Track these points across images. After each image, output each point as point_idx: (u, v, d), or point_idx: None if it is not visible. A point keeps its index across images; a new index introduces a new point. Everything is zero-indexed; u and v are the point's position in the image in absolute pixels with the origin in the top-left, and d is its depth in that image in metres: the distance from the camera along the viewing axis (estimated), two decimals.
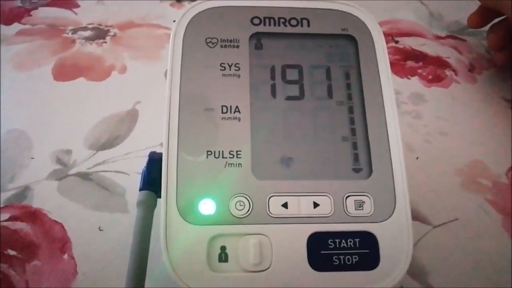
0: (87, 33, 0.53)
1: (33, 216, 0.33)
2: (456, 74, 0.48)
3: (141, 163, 0.30)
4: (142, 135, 0.40)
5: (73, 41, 0.51)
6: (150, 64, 0.48)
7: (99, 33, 0.53)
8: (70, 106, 0.43)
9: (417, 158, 0.38)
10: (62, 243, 0.31)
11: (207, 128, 0.28)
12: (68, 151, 0.38)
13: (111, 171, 0.36)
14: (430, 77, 0.47)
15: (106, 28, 0.53)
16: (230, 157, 0.28)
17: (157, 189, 0.27)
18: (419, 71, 0.48)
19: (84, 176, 0.36)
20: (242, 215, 0.26)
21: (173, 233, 0.26)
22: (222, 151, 0.28)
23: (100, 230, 0.32)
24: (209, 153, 0.28)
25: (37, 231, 0.32)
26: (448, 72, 0.48)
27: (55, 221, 0.33)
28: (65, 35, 0.52)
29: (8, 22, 0.54)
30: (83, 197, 0.34)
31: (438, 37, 0.54)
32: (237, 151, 0.28)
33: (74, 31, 0.53)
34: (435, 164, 0.38)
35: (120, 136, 0.39)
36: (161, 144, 0.36)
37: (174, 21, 0.31)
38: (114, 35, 0.52)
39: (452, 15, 0.57)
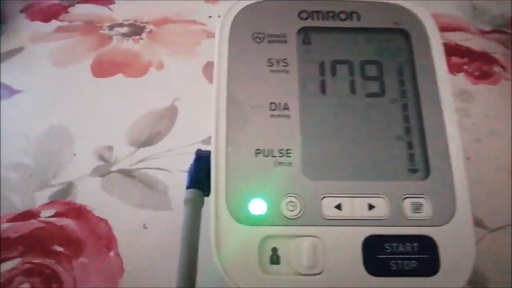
0: (124, 30, 0.52)
1: (78, 212, 0.32)
2: (504, 70, 0.46)
3: (183, 161, 0.29)
4: (183, 132, 0.39)
5: (110, 38, 0.51)
6: (186, 60, 0.48)
7: (135, 30, 0.52)
8: (110, 102, 0.42)
9: (468, 159, 0.36)
10: (108, 240, 0.31)
11: (255, 125, 0.27)
12: (109, 148, 0.38)
13: (153, 168, 0.36)
14: (477, 73, 0.45)
15: (142, 25, 0.53)
16: (279, 156, 0.26)
17: (204, 188, 0.26)
18: (465, 67, 0.46)
19: (127, 173, 0.35)
20: (294, 216, 0.25)
21: (224, 233, 0.25)
22: (272, 150, 0.26)
23: (145, 228, 0.31)
24: (258, 151, 0.26)
25: (83, 227, 0.31)
26: (496, 68, 0.46)
27: (100, 218, 0.32)
28: (102, 31, 0.52)
29: (46, 19, 0.54)
30: (126, 194, 0.34)
31: (483, 32, 0.51)
32: (287, 150, 0.27)
33: (111, 27, 0.53)
34: (487, 164, 0.36)
35: (160, 133, 0.39)
36: (203, 142, 0.36)
37: (219, 16, 0.30)
38: (150, 31, 0.52)
39: (496, 8, 0.54)
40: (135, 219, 0.32)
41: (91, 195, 0.34)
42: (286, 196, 0.26)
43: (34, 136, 0.39)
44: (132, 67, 0.46)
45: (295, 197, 0.26)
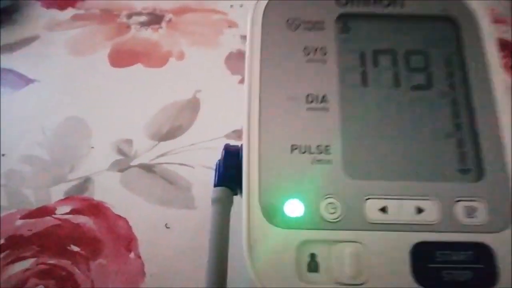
0: (142, 18, 0.50)
1: (96, 209, 0.30)
2: None
3: (206, 156, 0.27)
4: (206, 125, 0.37)
5: (128, 27, 0.49)
6: (208, 50, 0.46)
7: (154, 18, 0.50)
8: (129, 93, 0.41)
9: None
10: (128, 241, 0.29)
11: (290, 119, 0.25)
12: (128, 141, 0.36)
13: (175, 163, 0.34)
14: None
15: (161, 13, 0.51)
16: (318, 153, 0.24)
17: (234, 186, 0.25)
18: (503, 60, 0.43)
19: (147, 168, 0.34)
20: (334, 219, 0.23)
21: (257, 236, 0.23)
22: (309, 146, 0.24)
23: (167, 227, 0.29)
24: (294, 147, 0.24)
25: (101, 226, 0.29)
26: None
27: (119, 215, 0.31)
28: (119, 20, 0.50)
29: (62, 7, 0.52)
30: (147, 191, 0.32)
31: None
32: (326, 146, 0.24)
33: (129, 16, 0.51)
34: None
35: (182, 126, 0.37)
36: (227, 136, 0.34)
37: (241, 6, 0.28)
38: (170, 20, 0.50)
39: None
40: (157, 218, 0.30)
41: (109, 191, 0.32)
42: (325, 197, 0.23)
43: (50, 128, 0.38)
44: (152, 57, 0.45)
45: (335, 198, 0.23)
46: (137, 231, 0.30)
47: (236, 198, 0.25)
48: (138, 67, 0.44)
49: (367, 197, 0.23)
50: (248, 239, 0.23)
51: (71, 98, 0.41)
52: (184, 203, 0.31)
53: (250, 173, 0.24)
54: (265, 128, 0.25)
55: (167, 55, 0.45)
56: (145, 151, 0.35)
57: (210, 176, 0.27)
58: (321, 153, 0.24)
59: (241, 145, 0.26)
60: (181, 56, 0.45)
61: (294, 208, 0.23)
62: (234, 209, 0.26)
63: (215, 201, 0.25)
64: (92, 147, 0.36)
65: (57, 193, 0.32)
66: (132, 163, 0.34)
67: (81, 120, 0.38)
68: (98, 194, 0.32)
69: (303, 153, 0.24)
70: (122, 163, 0.34)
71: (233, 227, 0.25)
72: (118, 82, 0.42)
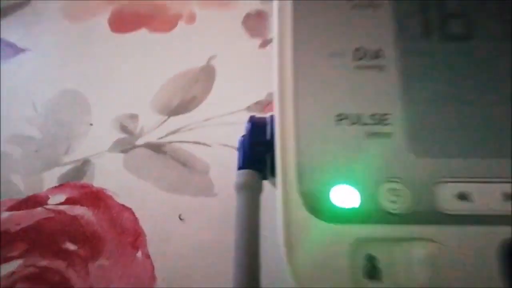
0: None
1: (96, 198, 0.26)
2: None
3: (225, 132, 0.23)
4: (223, 96, 0.33)
5: None
6: (222, 12, 0.40)
7: None
8: (133, 61, 0.37)
9: None
10: (134, 236, 0.24)
11: (335, 80, 0.21)
12: (133, 116, 0.32)
13: (189, 142, 0.30)
14: None
15: None
16: (372, 124, 0.20)
17: (263, 168, 0.21)
18: None
19: (156, 148, 0.29)
20: (398, 210, 0.18)
21: (297, 233, 0.18)
22: (360, 115, 0.20)
23: (181, 219, 0.25)
24: (341, 117, 0.20)
25: (102, 218, 0.25)
26: None
27: (123, 205, 0.26)
28: None
29: None
30: (156, 175, 0.28)
31: None
32: (382, 115, 0.20)
33: None
34: None
35: (196, 97, 0.33)
36: (248, 108, 0.29)
37: None
38: None
39: None
40: (168, 208, 0.26)
41: (111, 176, 0.28)
42: (385, 181, 0.19)
43: (42, 103, 0.34)
44: (158, 20, 0.40)
45: (398, 182, 0.19)
46: (145, 224, 0.25)
47: (266, 183, 0.22)
48: (143, 33, 0.39)
49: (439, 180, 0.18)
50: (287, 237, 0.18)
51: (67, 69, 0.36)
52: (201, 189, 0.27)
53: (285, 151, 0.19)
54: (303, 93, 0.20)
55: (175, 17, 0.40)
56: (153, 128, 0.31)
57: (231, 156, 0.24)
58: (377, 123, 0.20)
59: (271, 116, 0.21)
60: (191, 19, 0.40)
61: (344, 196, 0.19)
62: (263, 197, 0.21)
63: (241, 187, 0.21)
64: (91, 124, 0.31)
65: (50, 179, 0.28)
66: (137, 142, 0.30)
67: (78, 93, 0.34)
68: (98, 179, 0.28)
69: (353, 124, 0.20)
70: (126, 142, 0.30)
71: (263, 220, 0.20)
72: (120, 50, 0.38)
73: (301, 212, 0.18)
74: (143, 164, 0.28)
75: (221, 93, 0.33)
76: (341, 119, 0.20)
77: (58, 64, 0.37)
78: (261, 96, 0.32)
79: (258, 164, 0.21)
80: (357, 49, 0.21)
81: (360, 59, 0.21)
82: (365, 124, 0.19)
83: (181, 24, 0.40)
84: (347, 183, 0.19)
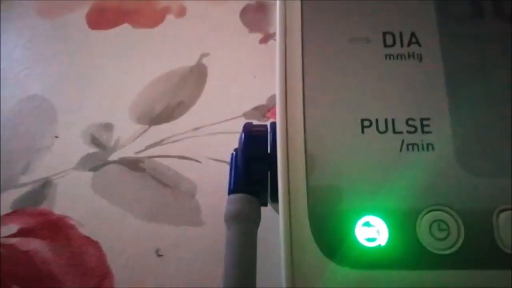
0: None
1: (55, 229, 0.22)
2: None
3: (218, 144, 0.19)
4: (216, 101, 0.29)
5: None
6: (217, 3, 0.37)
7: None
8: (112, 62, 0.33)
9: None
10: (100, 277, 0.20)
11: (359, 75, 0.16)
12: (107, 126, 0.27)
13: (173, 157, 0.25)
14: None
15: None
16: (409, 131, 0.15)
17: (261, 191, 0.17)
18: None
19: (132, 165, 0.25)
20: (447, 249, 0.14)
21: (308, 280, 0.14)
22: (393, 120, 0.15)
23: (159, 255, 0.20)
24: (367, 122, 0.15)
25: (61, 255, 0.21)
26: None
27: (88, 238, 0.22)
28: None
29: None
30: (131, 198, 0.24)
31: None
32: (422, 120, 0.15)
33: None
34: None
35: (183, 102, 0.28)
36: (245, 115, 0.26)
37: None
38: None
39: None
40: (144, 241, 0.21)
41: (77, 199, 0.24)
42: (428, 209, 0.14)
43: (2, 111, 0.29)
44: (143, 14, 0.37)
45: (445, 211, 0.14)
46: (115, 262, 0.21)
47: (265, 211, 0.18)
48: (125, 28, 0.35)
49: (503, 208, 0.14)
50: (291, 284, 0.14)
51: (35, 72, 0.32)
52: (185, 216, 0.22)
53: (292, 169, 0.15)
54: (313, 93, 0.16)
55: (163, 11, 0.37)
56: (131, 139, 0.26)
57: (224, 174, 0.19)
58: (414, 131, 0.15)
59: (272, 124, 0.17)
60: (181, 12, 0.36)
61: (372, 231, 0.14)
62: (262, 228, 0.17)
63: (231, 217, 0.16)
64: (56, 137, 0.27)
65: (2, 203, 0.24)
66: (111, 158, 0.25)
67: (45, 100, 0.30)
68: (60, 204, 0.24)
69: (383, 132, 0.15)
70: (97, 158, 0.25)
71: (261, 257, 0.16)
72: (97, 49, 0.34)
73: (312, 252, 0.14)
74: (116, 184, 0.24)
75: (214, 97, 0.29)
76: (367, 126, 0.15)
77: (26, 65, 0.33)
78: (262, 100, 0.28)
79: (256, 186, 0.17)
80: (386, 34, 0.17)
81: (390, 45, 0.17)
82: (399, 132, 0.15)
83: (169, 17, 0.36)
84: (374, 214, 0.14)
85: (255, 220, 0.17)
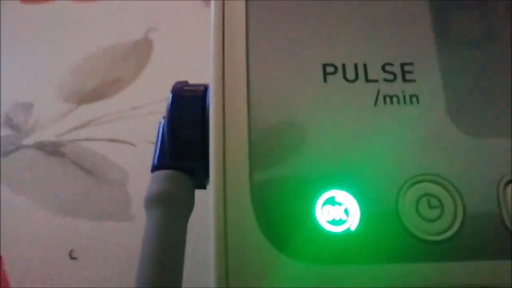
0: None
1: None
2: None
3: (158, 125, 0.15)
4: (159, 77, 0.25)
5: None
6: None
7: None
8: (43, 37, 0.29)
9: None
10: None
11: (315, 16, 0.13)
12: (26, 106, 0.23)
13: (102, 140, 0.21)
14: None
15: None
16: (387, 79, 0.13)
17: (194, 166, 0.14)
18: None
19: (50, 149, 0.21)
20: (440, 233, 0.10)
21: (250, 281, 0.10)
22: (364, 65, 0.12)
23: (72, 258, 0.16)
24: (330, 69, 0.12)
25: None
26: None
27: None
28: None
29: None
30: (43, 189, 0.19)
31: None
32: (403, 65, 0.12)
33: None
34: None
35: (120, 79, 0.25)
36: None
37: None
38: None
39: None
40: (55, 240, 0.17)
41: None
42: (413, 180, 0.11)
43: None
44: None
45: (436, 182, 0.11)
46: (17, 269, 0.16)
47: (199, 195, 0.14)
48: (62, 2, 0.31)
49: (509, 178, 0.11)
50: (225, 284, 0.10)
51: None
52: (111, 209, 0.18)
53: (229, 131, 0.11)
54: (260, 31, 0.13)
55: None
56: (53, 120, 0.22)
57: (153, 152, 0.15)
58: (393, 79, 0.12)
59: (207, 86, 0.14)
60: None
61: (338, 210, 0.10)
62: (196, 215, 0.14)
63: (152, 200, 0.13)
64: None
65: None
66: (24, 142, 0.21)
67: None
68: None
69: (353, 81, 0.12)
70: (9, 141, 0.21)
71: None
72: (28, 24, 0.30)
73: (259, 242, 0.10)
74: (27, 172, 0.20)
75: (157, 74, 0.25)
76: (330, 73, 0.12)
77: None
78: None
79: (186, 160, 0.14)
80: None
81: None
82: (373, 80, 0.12)
83: None
84: (340, 188, 0.11)
85: (185, 204, 0.13)
